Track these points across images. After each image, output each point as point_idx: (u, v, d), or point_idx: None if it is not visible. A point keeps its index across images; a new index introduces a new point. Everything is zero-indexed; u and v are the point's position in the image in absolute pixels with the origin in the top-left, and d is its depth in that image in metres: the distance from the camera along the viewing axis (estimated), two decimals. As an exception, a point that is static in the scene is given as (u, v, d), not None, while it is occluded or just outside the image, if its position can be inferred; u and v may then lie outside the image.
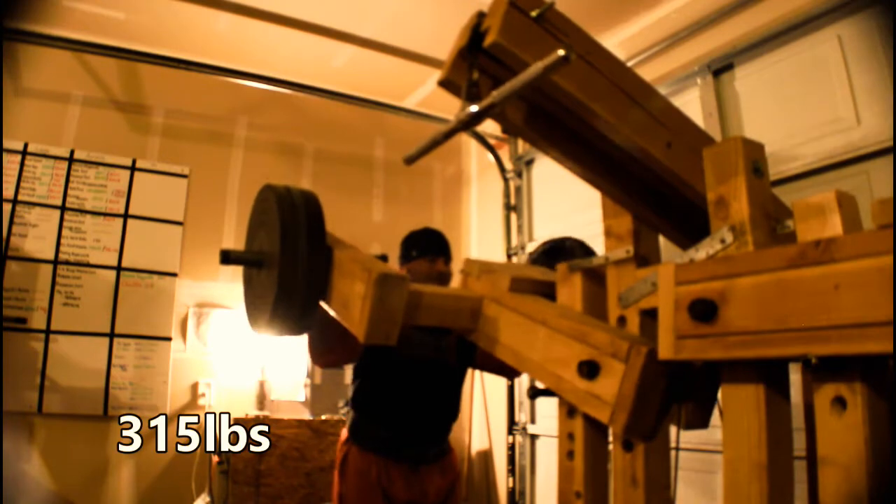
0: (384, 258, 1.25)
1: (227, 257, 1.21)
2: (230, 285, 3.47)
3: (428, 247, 2.04)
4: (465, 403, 3.78)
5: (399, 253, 2.07)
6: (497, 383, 3.69)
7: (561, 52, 0.70)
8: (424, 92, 3.77)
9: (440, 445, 2.02)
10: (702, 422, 1.04)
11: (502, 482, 3.58)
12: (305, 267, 1.10)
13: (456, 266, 1.92)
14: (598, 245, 1.28)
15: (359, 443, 1.93)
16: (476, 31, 0.83)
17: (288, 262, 1.09)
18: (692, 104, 2.68)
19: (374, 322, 0.98)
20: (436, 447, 2.00)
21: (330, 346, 1.61)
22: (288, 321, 1.14)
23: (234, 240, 3.55)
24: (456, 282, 1.54)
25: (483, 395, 3.83)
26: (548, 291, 1.19)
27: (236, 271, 3.46)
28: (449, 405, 2.05)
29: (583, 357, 0.90)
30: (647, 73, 2.17)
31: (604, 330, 0.91)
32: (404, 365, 1.90)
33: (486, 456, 3.76)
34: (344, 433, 2.00)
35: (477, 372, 3.82)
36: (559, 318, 0.99)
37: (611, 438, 1.05)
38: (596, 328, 0.92)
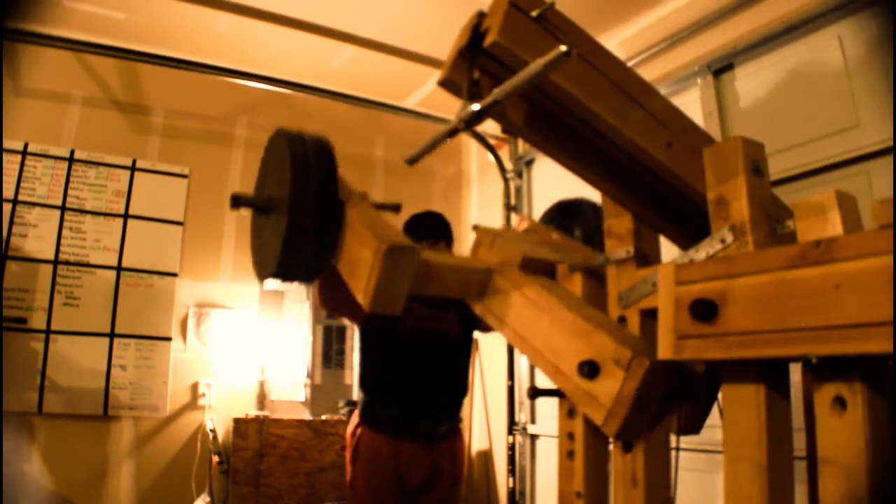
0: (397, 208, 1.21)
1: (238, 201, 1.18)
2: (230, 285, 3.47)
3: (428, 231, 2.04)
4: (465, 404, 3.77)
5: None
6: (497, 384, 3.69)
7: (563, 48, 0.70)
8: (424, 92, 3.77)
9: (452, 420, 1.99)
10: (695, 428, 1.04)
11: (502, 482, 3.58)
12: (315, 215, 1.05)
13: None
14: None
15: (370, 424, 1.90)
16: (476, 30, 0.83)
17: (297, 209, 1.05)
18: (692, 104, 2.67)
19: (379, 293, 0.95)
20: (449, 422, 1.97)
21: (337, 295, 1.60)
22: (295, 269, 1.10)
23: (235, 239, 3.54)
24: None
25: (483, 394, 3.83)
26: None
27: (237, 271, 3.49)
28: (457, 377, 2.02)
29: (584, 356, 0.90)
30: (647, 73, 2.17)
31: (607, 332, 0.91)
32: (407, 338, 1.88)
33: (486, 456, 3.76)
34: (355, 418, 1.97)
35: (477, 373, 3.84)
36: (565, 309, 0.98)
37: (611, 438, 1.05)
38: (600, 328, 0.91)
